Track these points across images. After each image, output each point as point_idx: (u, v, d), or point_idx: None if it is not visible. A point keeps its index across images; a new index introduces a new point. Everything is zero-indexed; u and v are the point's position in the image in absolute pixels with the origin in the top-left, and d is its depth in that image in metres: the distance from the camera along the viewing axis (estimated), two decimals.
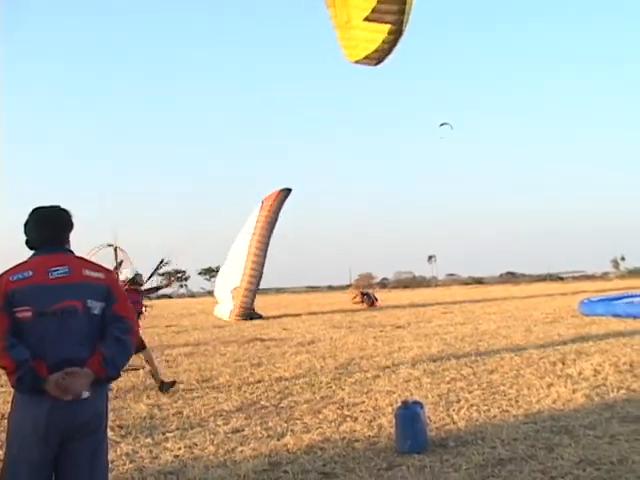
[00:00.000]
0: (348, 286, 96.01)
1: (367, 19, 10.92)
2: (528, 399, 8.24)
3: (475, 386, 9.29)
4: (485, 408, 7.85)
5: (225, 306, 30.19)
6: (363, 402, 8.63)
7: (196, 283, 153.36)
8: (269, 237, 29.21)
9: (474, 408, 7.88)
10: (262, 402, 8.97)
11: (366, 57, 12.01)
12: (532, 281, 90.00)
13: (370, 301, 38.21)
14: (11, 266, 3.69)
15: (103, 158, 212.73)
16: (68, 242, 3.90)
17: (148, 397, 9.64)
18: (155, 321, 31.56)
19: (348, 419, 7.72)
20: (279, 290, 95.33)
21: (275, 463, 6.10)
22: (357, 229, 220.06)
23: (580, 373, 9.86)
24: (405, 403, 6.55)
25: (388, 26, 10.79)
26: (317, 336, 18.43)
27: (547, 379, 9.50)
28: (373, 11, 10.84)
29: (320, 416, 7.97)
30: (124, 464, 6.22)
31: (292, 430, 7.34)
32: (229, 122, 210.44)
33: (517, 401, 8.17)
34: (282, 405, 8.74)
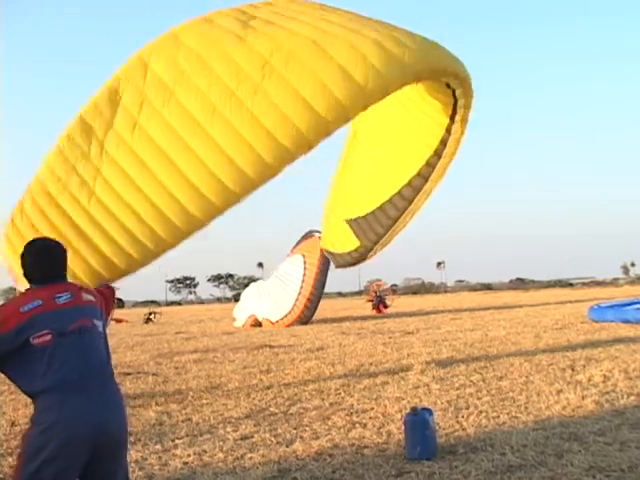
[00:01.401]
0: (358, 292, 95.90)
1: (348, 222, 10.54)
2: (537, 405, 8.22)
3: (484, 392, 9.27)
4: (494, 414, 7.84)
5: (245, 316, 30.11)
6: (372, 408, 8.62)
7: (205, 290, 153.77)
8: (320, 296, 28.73)
9: (483, 414, 7.86)
10: (271, 409, 8.97)
11: (329, 253, 11.75)
12: (541, 287, 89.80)
13: (376, 303, 38.17)
14: (13, 297, 3.91)
15: None
16: (66, 274, 4.11)
17: (157, 404, 9.66)
18: (164, 328, 31.70)
19: (357, 425, 7.72)
20: None
21: (284, 470, 6.09)
22: None
23: (590, 379, 9.83)
24: (414, 409, 6.54)
25: (360, 243, 10.49)
26: (326, 342, 18.41)
27: (556, 385, 9.47)
28: (357, 220, 10.38)
29: (329, 422, 7.96)
30: (133, 471, 6.22)
31: (301, 437, 7.34)
32: None
33: (526, 407, 8.15)
34: (291, 412, 8.74)
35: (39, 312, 3.65)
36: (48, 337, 3.60)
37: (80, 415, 3.51)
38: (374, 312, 36.77)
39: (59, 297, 3.78)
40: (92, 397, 3.61)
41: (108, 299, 4.44)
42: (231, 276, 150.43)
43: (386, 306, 38.47)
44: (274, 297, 28.89)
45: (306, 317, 27.82)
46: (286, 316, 28.07)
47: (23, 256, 4.04)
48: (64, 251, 4.11)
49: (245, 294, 32.58)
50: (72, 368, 3.61)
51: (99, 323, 3.93)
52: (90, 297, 4.01)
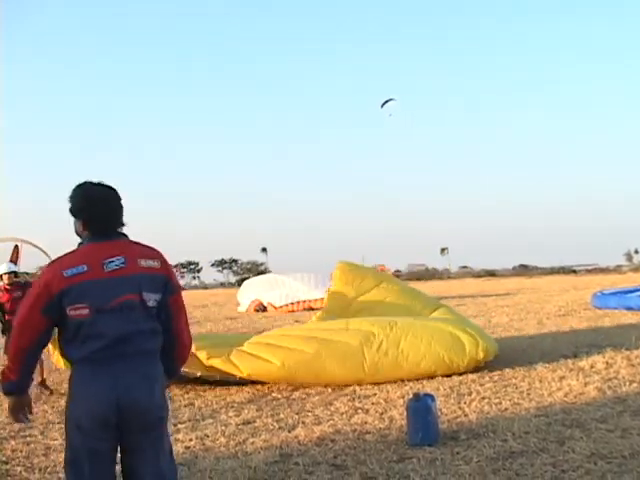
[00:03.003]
0: None
1: None
2: (540, 392, 8.22)
3: (487, 379, 9.27)
4: (497, 401, 7.84)
5: (248, 301, 30.36)
6: (375, 394, 8.63)
7: (209, 275, 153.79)
8: None
9: (485, 401, 7.87)
10: (274, 394, 8.99)
11: None
12: (545, 274, 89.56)
13: None
14: (60, 256, 3.46)
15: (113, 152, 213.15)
16: (122, 225, 3.60)
17: None
18: None
19: (359, 411, 7.73)
20: None
21: (286, 455, 6.11)
22: (370, 221, 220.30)
23: (592, 366, 9.82)
24: (416, 395, 6.54)
25: None
26: None
27: (559, 372, 9.47)
28: None
29: (331, 408, 7.97)
30: None
31: (303, 422, 7.35)
32: (235, 123, 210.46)
33: (529, 394, 8.15)
34: (293, 397, 8.76)
35: (80, 281, 3.31)
36: (85, 311, 3.31)
37: (108, 391, 3.33)
38: None
39: (110, 262, 3.38)
40: (122, 374, 3.37)
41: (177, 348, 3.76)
42: (235, 261, 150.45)
43: None
44: (289, 286, 29.26)
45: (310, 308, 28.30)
46: (292, 304, 28.42)
47: (74, 201, 3.55)
48: (120, 198, 3.61)
49: (253, 281, 33.04)
50: (108, 345, 3.34)
51: (151, 296, 3.47)
52: (151, 263, 3.52)
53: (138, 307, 3.44)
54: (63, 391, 9.63)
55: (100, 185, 3.58)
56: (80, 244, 3.56)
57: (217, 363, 9.28)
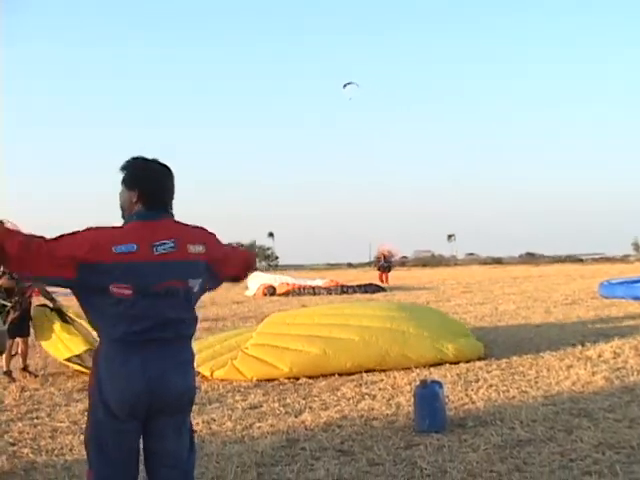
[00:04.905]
0: (368, 263, 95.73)
1: None
2: (547, 380, 8.20)
3: (494, 366, 9.25)
4: (504, 389, 7.82)
5: (257, 285, 30.70)
6: (382, 380, 8.63)
7: None
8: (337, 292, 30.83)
9: (493, 388, 7.85)
10: (280, 378, 8.97)
11: None
12: (552, 262, 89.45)
13: (385, 268, 38.29)
14: (109, 228, 3.32)
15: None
16: (171, 207, 3.50)
17: None
18: None
19: (367, 397, 7.72)
20: (298, 267, 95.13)
21: (293, 440, 6.10)
22: (377, 207, 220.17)
23: (600, 355, 9.80)
24: (424, 382, 6.53)
25: None
26: None
27: (566, 361, 9.45)
28: None
29: (338, 393, 7.97)
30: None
31: (310, 407, 7.35)
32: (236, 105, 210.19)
33: (536, 382, 8.14)
34: (300, 382, 8.75)
35: (128, 260, 3.18)
36: (128, 292, 3.19)
37: (140, 375, 3.23)
38: (381, 280, 36.26)
39: (160, 245, 3.26)
40: (156, 359, 3.27)
41: (234, 263, 3.79)
42: (242, 245, 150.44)
43: (390, 268, 39.03)
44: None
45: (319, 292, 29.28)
46: (304, 285, 30.80)
47: (128, 169, 3.43)
48: (174, 177, 3.52)
49: (263, 273, 35.25)
50: (145, 327, 3.23)
51: (195, 282, 3.39)
52: (199, 248, 3.41)
53: (181, 294, 3.35)
54: (70, 374, 9.65)
55: (156, 161, 3.48)
56: (126, 222, 3.43)
57: (221, 374, 9.04)
